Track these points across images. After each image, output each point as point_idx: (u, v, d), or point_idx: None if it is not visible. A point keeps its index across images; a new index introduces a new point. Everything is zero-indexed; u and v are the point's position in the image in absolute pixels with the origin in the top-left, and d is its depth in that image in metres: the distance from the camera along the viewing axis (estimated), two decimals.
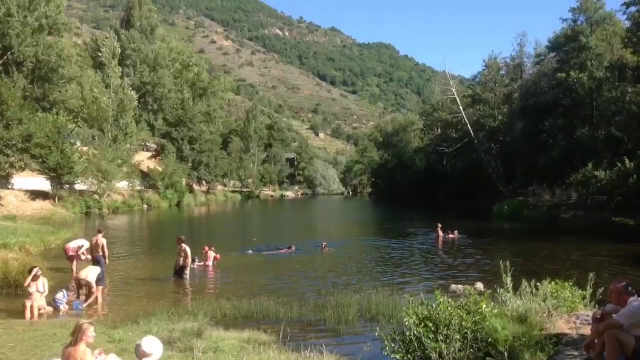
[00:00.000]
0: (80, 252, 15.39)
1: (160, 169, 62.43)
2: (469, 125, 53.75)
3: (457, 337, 6.45)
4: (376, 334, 6.94)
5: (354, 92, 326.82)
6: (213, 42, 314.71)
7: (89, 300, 11.74)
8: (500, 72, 57.71)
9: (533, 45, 60.96)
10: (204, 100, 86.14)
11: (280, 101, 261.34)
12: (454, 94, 55.34)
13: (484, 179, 54.08)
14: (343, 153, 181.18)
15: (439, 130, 67.75)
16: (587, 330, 6.93)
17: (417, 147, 77.08)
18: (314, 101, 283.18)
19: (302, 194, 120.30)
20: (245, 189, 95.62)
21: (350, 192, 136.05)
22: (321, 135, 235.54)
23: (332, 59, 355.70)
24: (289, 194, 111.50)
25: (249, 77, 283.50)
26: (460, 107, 54.71)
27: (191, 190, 70.00)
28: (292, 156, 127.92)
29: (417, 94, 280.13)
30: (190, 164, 71.27)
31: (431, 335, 6.48)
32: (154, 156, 69.95)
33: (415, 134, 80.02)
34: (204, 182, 76.63)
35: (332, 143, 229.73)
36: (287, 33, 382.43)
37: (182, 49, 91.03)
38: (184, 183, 66.57)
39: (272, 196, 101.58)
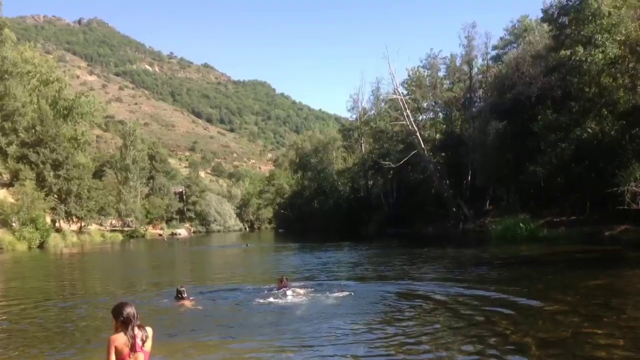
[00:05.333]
0: None
1: (13, 200, 47.56)
2: (418, 134, 44.80)
3: None
4: None
5: (232, 130, 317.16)
6: (76, 77, 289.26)
7: None
8: (440, 73, 50.72)
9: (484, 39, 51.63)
10: (69, 122, 70.61)
11: (155, 138, 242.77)
12: (397, 94, 46.15)
13: (427, 200, 47.69)
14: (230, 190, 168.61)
15: (375, 144, 58.61)
16: None
17: (340, 169, 68.02)
18: (191, 139, 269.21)
19: (194, 232, 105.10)
20: (127, 228, 79.63)
21: (248, 228, 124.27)
22: (202, 174, 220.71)
23: (207, 95, 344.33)
24: (182, 231, 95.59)
25: (118, 114, 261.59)
26: (407, 112, 45.43)
27: (58, 230, 53.88)
28: (181, 189, 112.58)
29: (296, 132, 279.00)
30: (55, 195, 55.10)
31: None
32: (6, 185, 53.73)
33: (338, 153, 70.93)
34: (74, 218, 60.35)
35: (213, 182, 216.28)
36: (157, 68, 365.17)
37: (39, 61, 75.30)
38: (48, 219, 51.23)
39: (160, 235, 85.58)
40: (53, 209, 55.33)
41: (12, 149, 57.83)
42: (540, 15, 36.92)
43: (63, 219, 59.12)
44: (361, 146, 62.77)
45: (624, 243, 23.55)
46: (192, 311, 10.88)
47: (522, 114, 34.76)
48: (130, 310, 4.81)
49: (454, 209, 44.16)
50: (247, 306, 11.16)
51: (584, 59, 29.90)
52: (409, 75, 53.30)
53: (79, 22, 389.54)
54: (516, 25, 47.41)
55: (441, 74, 52.02)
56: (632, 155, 27.21)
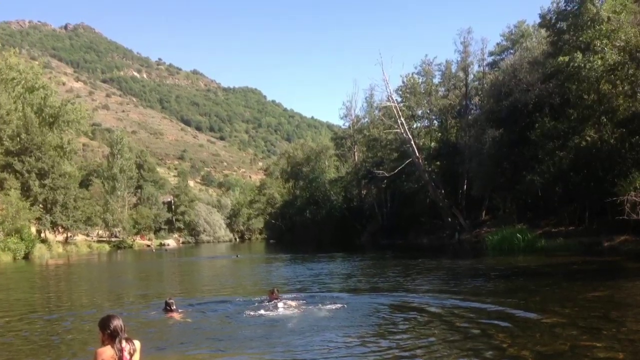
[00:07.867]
0: None
1: None
2: (413, 142, 44.30)
3: None
4: None
5: (222, 138, 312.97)
6: (62, 84, 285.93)
7: None
8: (435, 80, 50.28)
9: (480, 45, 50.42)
10: (55, 130, 69.42)
11: (143, 147, 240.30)
12: (391, 102, 45.74)
13: (422, 209, 47.13)
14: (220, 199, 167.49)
15: (368, 153, 57.89)
16: None
17: (333, 178, 67.20)
18: (180, 147, 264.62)
19: (183, 242, 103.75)
20: (114, 238, 78.36)
21: (238, 239, 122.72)
22: (191, 183, 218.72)
23: (197, 103, 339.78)
24: (170, 242, 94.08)
25: (105, 122, 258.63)
26: (402, 119, 44.85)
27: (43, 240, 53.07)
28: (169, 199, 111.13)
29: (287, 140, 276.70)
30: (41, 205, 54.32)
31: None
32: None
33: (331, 162, 70.01)
34: (60, 228, 59.45)
35: (203, 191, 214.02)
36: (145, 75, 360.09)
37: (24, 67, 74.03)
38: (33, 230, 50.38)
39: (148, 245, 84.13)
40: (38, 219, 54.18)
41: None
42: (538, 20, 35.99)
43: (49, 229, 58.02)
44: (354, 155, 61.79)
45: (623, 254, 23.09)
46: (181, 324, 10.59)
47: (519, 121, 33.93)
48: (117, 322, 4.70)
49: (450, 219, 43.35)
50: (237, 319, 10.89)
51: (582, 65, 28.78)
52: (403, 82, 51.84)
53: (65, 27, 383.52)
54: (513, 31, 46.00)
55: (436, 80, 50.87)
56: (632, 163, 26.67)
